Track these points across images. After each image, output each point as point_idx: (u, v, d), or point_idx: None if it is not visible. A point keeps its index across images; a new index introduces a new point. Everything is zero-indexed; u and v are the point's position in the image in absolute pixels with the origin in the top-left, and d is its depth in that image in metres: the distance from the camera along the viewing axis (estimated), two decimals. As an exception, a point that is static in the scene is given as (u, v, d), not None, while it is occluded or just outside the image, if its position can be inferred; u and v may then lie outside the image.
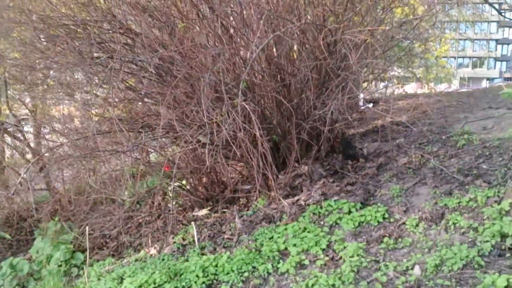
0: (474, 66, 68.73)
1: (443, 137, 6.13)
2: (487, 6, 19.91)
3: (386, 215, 4.59)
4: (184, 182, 6.53)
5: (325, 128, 5.23)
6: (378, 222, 4.52)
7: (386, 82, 12.81)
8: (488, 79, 64.24)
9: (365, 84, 9.17)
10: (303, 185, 5.48)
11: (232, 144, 4.44)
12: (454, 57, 54.23)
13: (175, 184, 6.06)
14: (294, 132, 5.49)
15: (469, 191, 4.44)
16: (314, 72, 5.41)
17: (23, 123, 8.87)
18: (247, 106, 3.90)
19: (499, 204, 4.01)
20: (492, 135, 5.78)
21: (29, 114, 8.50)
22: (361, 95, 9.85)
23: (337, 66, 5.46)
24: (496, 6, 21.73)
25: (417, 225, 4.26)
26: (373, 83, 10.46)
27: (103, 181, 5.36)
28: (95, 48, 4.78)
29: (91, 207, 6.01)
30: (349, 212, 4.75)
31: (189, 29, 4.75)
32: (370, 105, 10.85)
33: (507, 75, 67.82)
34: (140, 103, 5.77)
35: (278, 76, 5.57)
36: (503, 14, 23.80)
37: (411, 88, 16.12)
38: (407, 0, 7.52)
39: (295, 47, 5.56)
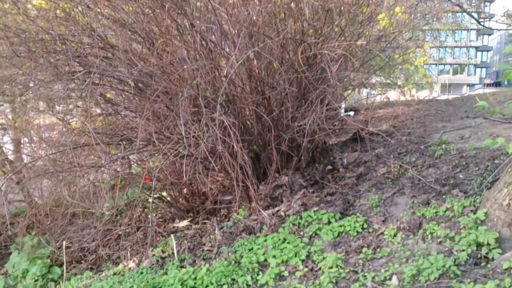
0: (455, 72, 69.99)
1: (422, 147, 6.22)
2: (466, 15, 20.37)
3: (365, 225, 4.64)
4: (164, 193, 6.50)
5: (305, 140, 5.27)
6: (357, 232, 4.56)
7: (369, 89, 13.00)
8: (468, 85, 65.50)
9: (347, 93, 9.24)
10: (284, 195, 5.50)
11: (212, 156, 4.45)
12: (435, 64, 55.15)
13: (156, 195, 6.03)
14: (274, 143, 5.52)
15: (446, 201, 4.52)
16: (294, 84, 5.45)
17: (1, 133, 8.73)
18: (225, 120, 3.91)
19: (474, 213, 4.07)
20: (469, 145, 5.88)
21: (4, 125, 8.38)
22: (343, 104, 9.97)
23: (317, 78, 5.51)
24: (475, 15, 22.25)
25: (395, 235, 4.30)
26: (356, 90, 10.56)
27: (81, 194, 5.32)
28: (74, 62, 4.75)
29: (70, 219, 5.94)
30: (329, 222, 4.78)
31: (168, 43, 4.76)
32: (351, 113, 10.97)
33: (487, 81, 69.21)
34: (119, 116, 5.74)
35: (259, 88, 5.60)
36: (481, 23, 24.34)
37: (393, 95, 16.33)
38: (389, 11, 7.61)
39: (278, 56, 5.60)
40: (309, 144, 5.85)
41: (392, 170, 5.65)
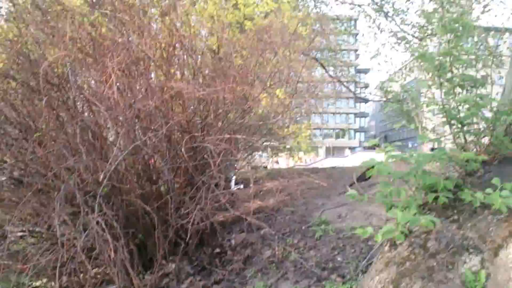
0: (337, 136, 75.63)
1: (303, 227, 6.50)
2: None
3: (250, 318, 4.66)
4: (39, 285, 5.96)
5: (192, 227, 5.27)
6: (242, 326, 4.56)
7: (260, 153, 13.41)
8: (350, 148, 70.95)
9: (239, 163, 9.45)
10: (170, 285, 5.37)
11: (91, 251, 4.26)
12: (320, 129, 59.14)
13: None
14: (160, 230, 5.43)
15: (326, 287, 4.70)
16: (181, 171, 5.50)
17: None
18: (103, 222, 3.80)
19: (351, 301, 4.30)
20: (346, 224, 6.26)
21: None
22: (233, 177, 10.17)
23: (202, 164, 5.63)
24: (352, 85, 24.64)
25: (278, 327, 4.37)
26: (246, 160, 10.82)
27: None
28: None
29: None
30: (214, 317, 4.72)
31: (46, 135, 4.59)
32: (241, 186, 11.20)
33: (366, 144, 75.55)
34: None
35: (145, 177, 5.56)
36: (356, 93, 26.98)
37: (283, 160, 17.03)
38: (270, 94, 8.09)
39: (163, 147, 5.63)
40: (197, 227, 5.84)
41: (277, 253, 5.80)
